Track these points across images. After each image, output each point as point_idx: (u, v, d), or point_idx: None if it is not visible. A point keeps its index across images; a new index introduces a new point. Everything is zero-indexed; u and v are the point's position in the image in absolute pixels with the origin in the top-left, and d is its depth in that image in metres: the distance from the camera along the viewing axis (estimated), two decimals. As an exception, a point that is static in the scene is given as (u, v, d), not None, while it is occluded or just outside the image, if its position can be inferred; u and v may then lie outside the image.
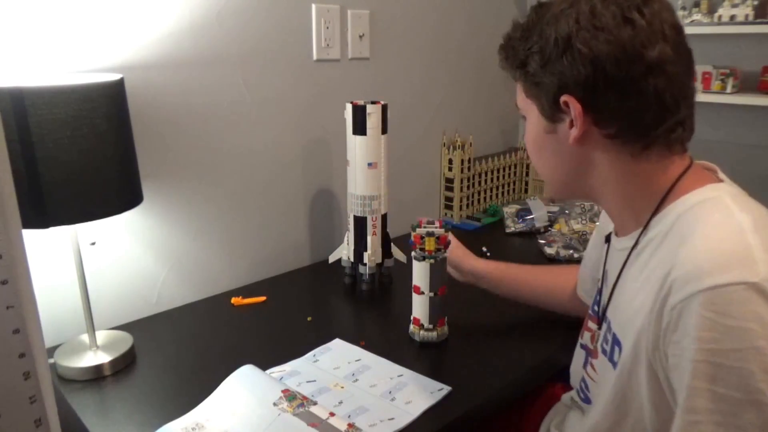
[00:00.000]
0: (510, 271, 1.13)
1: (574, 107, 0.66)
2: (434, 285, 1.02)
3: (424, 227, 1.04)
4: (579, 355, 0.87)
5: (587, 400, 0.82)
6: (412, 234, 1.02)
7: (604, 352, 0.76)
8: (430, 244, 1.01)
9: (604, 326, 0.77)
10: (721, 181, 0.69)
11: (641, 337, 0.64)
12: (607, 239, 0.81)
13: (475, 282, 1.14)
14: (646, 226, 0.69)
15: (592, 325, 0.83)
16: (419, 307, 1.04)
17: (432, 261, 1.01)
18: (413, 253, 1.03)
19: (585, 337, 0.86)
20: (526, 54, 0.69)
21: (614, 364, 0.72)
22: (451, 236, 1.07)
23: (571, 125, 0.68)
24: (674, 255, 0.60)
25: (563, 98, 0.66)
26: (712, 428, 0.54)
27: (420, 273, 1.02)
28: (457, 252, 1.13)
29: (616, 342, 0.72)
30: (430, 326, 1.04)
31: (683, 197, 0.66)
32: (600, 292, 0.82)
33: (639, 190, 0.69)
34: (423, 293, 1.03)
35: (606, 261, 0.81)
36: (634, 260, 0.71)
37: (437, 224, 1.04)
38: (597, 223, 0.97)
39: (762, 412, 0.51)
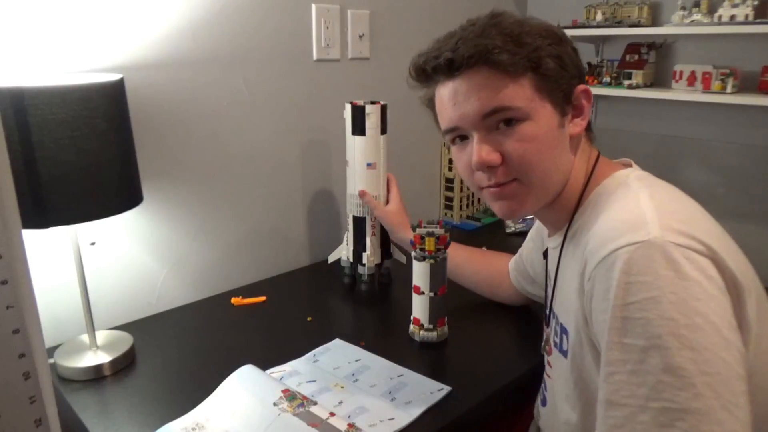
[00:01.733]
0: (461, 248, 1.19)
1: (589, 95, 0.74)
2: (434, 285, 1.02)
3: (425, 227, 1.04)
4: (544, 362, 0.90)
5: (544, 402, 0.85)
6: (413, 235, 1.02)
7: (555, 345, 0.80)
8: (430, 245, 1.01)
9: (553, 321, 0.81)
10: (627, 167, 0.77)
11: (577, 316, 0.69)
12: (545, 255, 0.87)
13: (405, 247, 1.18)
14: (571, 220, 0.76)
15: (546, 329, 0.88)
16: (419, 307, 1.05)
17: (432, 261, 1.01)
18: (413, 253, 1.03)
19: (542, 343, 0.90)
20: (534, 53, 0.70)
21: (564, 354, 0.76)
22: (394, 195, 1.14)
23: (574, 117, 0.74)
24: (588, 235, 0.68)
25: (582, 87, 0.73)
26: (626, 377, 0.57)
27: (420, 273, 1.03)
28: (393, 219, 1.17)
29: (563, 331, 0.76)
30: (430, 326, 1.04)
31: (597, 188, 0.74)
32: (546, 294, 0.86)
33: (577, 172, 0.76)
34: (423, 293, 1.03)
35: (547, 267, 0.86)
36: (565, 253, 0.78)
37: (437, 225, 1.04)
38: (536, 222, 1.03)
39: (663, 355, 0.55)
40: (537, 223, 1.02)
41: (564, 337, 0.76)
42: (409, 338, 1.08)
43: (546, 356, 0.86)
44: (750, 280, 0.62)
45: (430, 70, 0.75)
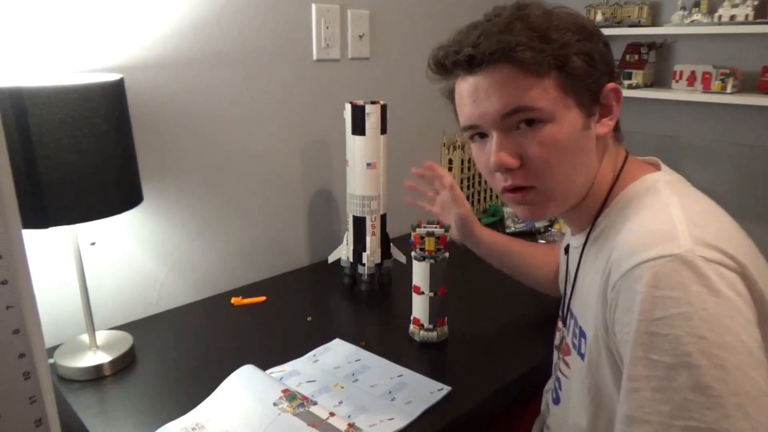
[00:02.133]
0: (503, 241, 1.15)
1: (618, 93, 0.70)
2: (434, 285, 1.02)
3: (424, 227, 1.04)
4: (554, 357, 0.90)
5: (556, 400, 0.84)
6: (412, 234, 1.02)
7: (573, 346, 0.79)
8: (430, 244, 1.01)
9: (571, 322, 0.80)
10: (656, 170, 0.74)
11: (597, 322, 0.67)
12: (566, 251, 0.86)
13: (472, 247, 1.14)
14: (596, 220, 0.74)
15: (560, 324, 0.87)
16: (419, 307, 1.05)
17: (432, 261, 1.01)
18: (413, 253, 1.03)
19: (556, 338, 0.89)
20: (561, 51, 0.66)
21: (582, 356, 0.75)
22: (458, 193, 1.10)
23: (602, 116, 0.71)
24: (614, 241, 0.66)
25: (610, 86, 0.70)
26: (650, 394, 0.56)
27: (420, 273, 1.03)
28: (470, 218, 1.11)
29: (582, 334, 0.75)
30: (430, 326, 1.04)
31: (625, 190, 0.71)
32: (565, 292, 0.86)
33: (604, 174, 0.74)
34: (423, 293, 1.03)
35: (568, 265, 0.85)
36: (587, 254, 0.76)
37: (437, 225, 1.04)
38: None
39: (692, 374, 0.54)
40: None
41: (582, 339, 0.75)
42: (409, 338, 1.08)
43: (561, 355, 0.84)
44: None
45: (450, 65, 0.70)
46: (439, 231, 1.02)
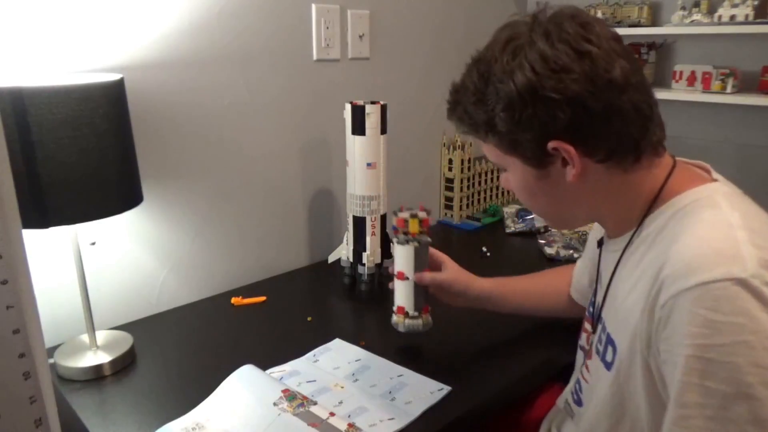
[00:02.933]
0: (511, 283, 1.07)
1: (566, 150, 0.65)
2: (418, 269, 0.98)
3: (406, 210, 1.00)
4: (579, 356, 0.88)
5: (579, 402, 0.82)
6: (395, 219, 0.98)
7: (597, 352, 0.77)
8: (413, 226, 0.96)
9: (599, 327, 0.77)
10: (713, 180, 0.69)
11: (635, 336, 0.64)
12: (599, 244, 0.82)
13: (479, 304, 1.04)
14: (639, 226, 0.70)
15: (587, 326, 0.84)
16: (403, 294, 0.99)
17: (416, 244, 0.97)
18: (395, 239, 0.98)
19: (582, 339, 0.86)
20: (488, 116, 0.67)
21: (607, 365, 0.72)
22: (446, 259, 1.02)
23: (564, 164, 0.67)
24: (665, 253, 0.61)
25: (551, 145, 0.65)
26: (702, 422, 0.55)
27: (404, 257, 0.98)
28: (463, 277, 1.02)
29: (609, 342, 0.72)
30: (416, 314, 0.99)
31: (676, 197, 0.66)
32: (595, 293, 0.83)
33: (633, 198, 0.70)
34: (407, 279, 0.98)
35: (600, 263, 0.82)
36: (626, 260, 0.71)
37: (419, 209, 1.00)
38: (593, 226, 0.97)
39: (752, 406, 0.52)
40: (593, 230, 0.95)
41: (610, 348, 0.72)
42: (409, 338, 1.08)
43: (585, 357, 0.82)
44: None
45: None
46: (421, 214, 0.98)
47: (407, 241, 0.97)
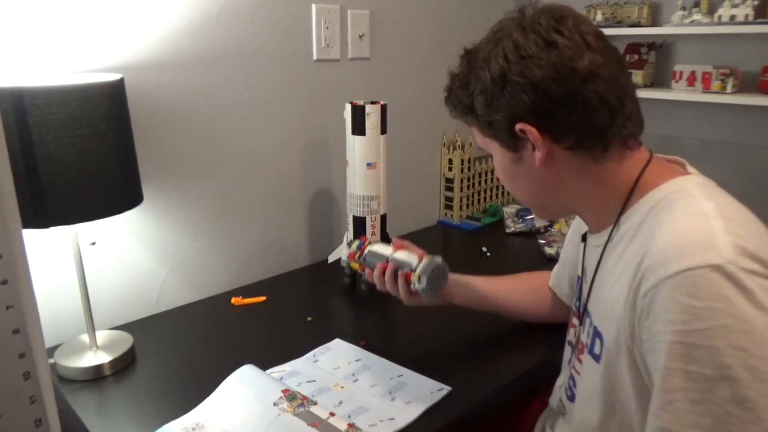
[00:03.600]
0: (492, 280, 1.09)
1: (531, 132, 0.69)
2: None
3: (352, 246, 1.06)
4: (566, 351, 0.89)
5: (572, 398, 0.83)
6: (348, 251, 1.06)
7: (586, 345, 0.78)
8: (355, 266, 1.06)
9: (586, 321, 0.79)
10: (688, 173, 0.72)
11: (620, 327, 0.67)
12: (584, 238, 0.84)
13: (454, 298, 1.05)
14: (616, 222, 0.72)
15: (575, 320, 0.86)
16: (406, 256, 0.98)
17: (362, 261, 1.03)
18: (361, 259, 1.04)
19: (570, 333, 0.88)
20: (470, 99, 0.74)
21: (595, 357, 0.74)
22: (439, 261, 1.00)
23: (534, 149, 0.71)
24: (645, 246, 0.64)
25: (518, 127, 0.70)
26: (687, 405, 0.56)
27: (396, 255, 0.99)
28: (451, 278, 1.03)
29: (597, 335, 0.74)
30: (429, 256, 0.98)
31: (652, 192, 0.69)
32: (581, 288, 0.85)
33: (607, 190, 0.73)
34: (402, 248, 1.01)
35: (584, 258, 0.84)
36: (608, 255, 0.74)
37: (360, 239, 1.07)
38: (573, 222, 1.00)
39: (733, 387, 0.53)
40: (573, 226, 0.99)
41: (597, 341, 0.74)
42: (409, 338, 1.08)
43: (576, 352, 0.83)
44: None
45: None
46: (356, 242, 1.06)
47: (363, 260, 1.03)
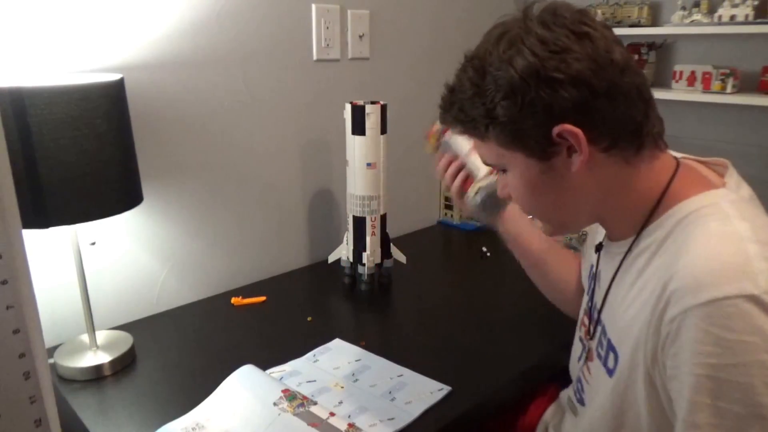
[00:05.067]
0: (541, 243, 1.01)
1: (573, 134, 0.62)
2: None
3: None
4: (576, 347, 0.87)
5: (582, 401, 0.82)
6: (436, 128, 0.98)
7: (599, 356, 0.76)
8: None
9: (599, 329, 0.77)
10: (721, 184, 0.67)
11: (638, 348, 0.64)
12: (597, 249, 0.80)
13: (503, 235, 1.02)
14: (639, 233, 0.68)
15: (585, 320, 0.84)
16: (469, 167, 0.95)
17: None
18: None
19: (581, 331, 0.85)
20: (488, 108, 0.65)
21: (609, 371, 0.72)
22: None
23: (569, 153, 0.64)
24: (672, 266, 0.59)
25: (557, 129, 0.62)
26: None
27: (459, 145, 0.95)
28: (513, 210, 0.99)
29: (611, 348, 0.71)
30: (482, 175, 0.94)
31: (680, 204, 0.64)
32: (593, 291, 0.81)
33: (635, 196, 0.68)
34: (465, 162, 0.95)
35: (598, 262, 0.80)
36: (628, 266, 0.70)
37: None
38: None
39: (765, 427, 0.51)
40: (589, 237, 0.93)
41: (611, 354, 0.71)
42: (409, 338, 1.08)
43: (586, 356, 0.81)
44: None
45: None
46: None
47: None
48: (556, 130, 0.62)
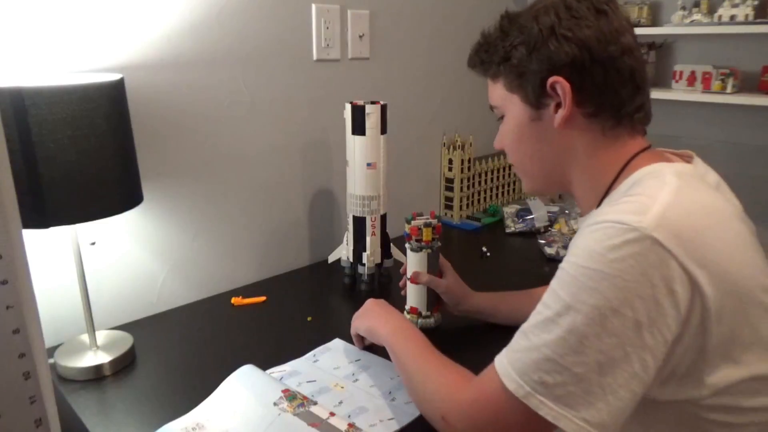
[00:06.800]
0: (506, 298, 1.10)
1: (563, 87, 0.71)
2: (431, 273, 1.06)
3: (419, 219, 1.08)
4: None
5: None
6: (408, 227, 1.06)
7: None
8: (427, 235, 1.05)
9: None
10: (676, 161, 0.73)
11: None
12: None
13: (472, 315, 1.10)
14: (599, 204, 0.74)
15: None
16: (416, 296, 1.08)
17: (429, 251, 1.05)
18: (408, 245, 1.07)
19: None
20: (509, 48, 0.75)
21: None
22: (448, 268, 1.10)
23: (556, 109, 0.73)
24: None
25: (552, 79, 0.71)
26: (541, 318, 0.63)
27: (417, 263, 1.06)
28: (458, 290, 1.08)
29: None
30: (428, 313, 1.08)
31: (633, 174, 0.70)
32: None
33: (602, 166, 0.74)
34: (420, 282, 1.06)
35: None
36: None
37: (429, 216, 1.09)
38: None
39: (576, 320, 0.59)
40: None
41: None
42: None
43: None
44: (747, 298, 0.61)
45: None
46: (433, 222, 1.07)
47: (420, 249, 1.06)
48: (550, 80, 0.71)
